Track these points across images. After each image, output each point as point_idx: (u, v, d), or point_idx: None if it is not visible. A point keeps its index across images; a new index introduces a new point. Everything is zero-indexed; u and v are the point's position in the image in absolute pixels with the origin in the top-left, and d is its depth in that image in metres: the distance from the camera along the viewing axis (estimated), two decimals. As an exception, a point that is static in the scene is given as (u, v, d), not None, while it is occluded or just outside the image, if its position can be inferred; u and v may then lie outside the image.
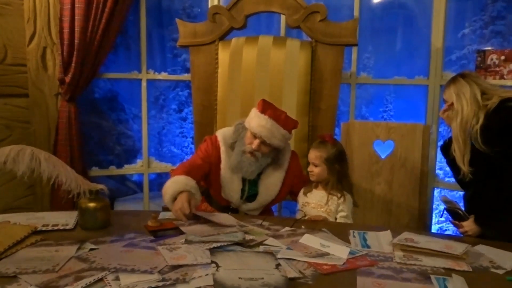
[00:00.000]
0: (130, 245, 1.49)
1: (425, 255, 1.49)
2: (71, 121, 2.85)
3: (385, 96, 3.69)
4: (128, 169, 3.28)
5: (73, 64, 2.74)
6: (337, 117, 2.95)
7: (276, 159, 2.15)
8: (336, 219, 1.99)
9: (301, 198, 2.10)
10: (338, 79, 2.76)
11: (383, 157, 2.69)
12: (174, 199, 1.80)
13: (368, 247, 1.56)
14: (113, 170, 3.23)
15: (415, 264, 1.43)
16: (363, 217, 2.66)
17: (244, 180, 2.13)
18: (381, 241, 1.63)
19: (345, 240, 1.62)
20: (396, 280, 1.31)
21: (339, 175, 2.00)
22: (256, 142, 2.03)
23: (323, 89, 2.77)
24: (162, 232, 1.61)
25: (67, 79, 2.77)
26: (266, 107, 2.06)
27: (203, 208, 2.12)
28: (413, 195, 2.63)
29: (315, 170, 2.01)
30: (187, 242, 1.50)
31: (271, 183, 2.14)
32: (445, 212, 2.00)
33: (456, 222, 1.91)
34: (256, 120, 2.03)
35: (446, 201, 2.01)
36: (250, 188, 2.15)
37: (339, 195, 1.99)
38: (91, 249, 1.45)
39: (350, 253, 1.48)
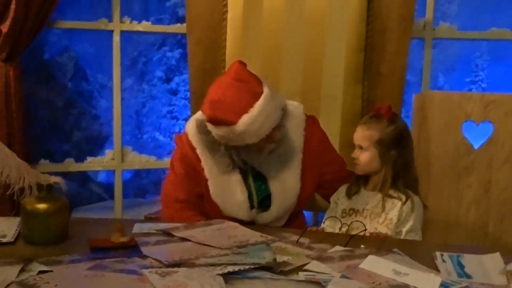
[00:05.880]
0: (99, 267, 1.49)
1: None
2: (9, 91, 2.83)
3: (474, 59, 3.65)
4: (93, 164, 3.29)
5: (12, 7, 2.71)
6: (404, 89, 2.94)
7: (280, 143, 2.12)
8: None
9: (341, 201, 2.09)
10: (408, 30, 2.78)
11: (476, 146, 2.64)
12: None
13: (468, 276, 1.54)
14: (71, 165, 3.24)
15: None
16: (443, 235, 2.62)
17: (245, 179, 2.11)
18: (487, 268, 1.61)
19: (430, 266, 1.59)
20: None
21: (397, 167, 2.00)
22: (273, 136, 2.00)
23: (385, 45, 2.78)
24: (107, 250, 1.62)
25: (4, 28, 2.75)
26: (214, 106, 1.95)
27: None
28: (524, 203, 2.61)
29: (360, 157, 1.99)
30: (187, 264, 1.50)
31: (285, 177, 2.12)
32: None
33: None
34: (239, 129, 1.93)
35: None
36: (259, 188, 2.13)
37: (403, 197, 1.97)
38: (41, 272, 1.44)
39: (442, 285, 1.44)
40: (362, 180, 2.06)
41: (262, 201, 2.14)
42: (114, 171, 3.26)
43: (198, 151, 2.09)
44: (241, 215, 2.10)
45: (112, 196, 3.33)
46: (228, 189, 2.10)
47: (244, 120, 1.89)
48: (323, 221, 2.07)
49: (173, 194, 2.15)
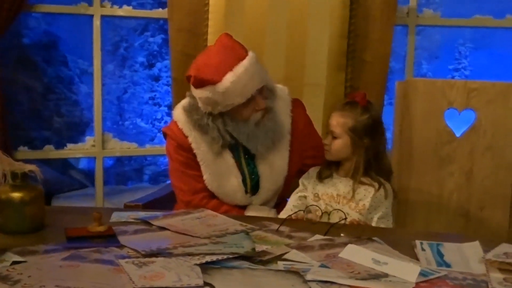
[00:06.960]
0: (74, 257, 1.48)
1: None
2: (-14, 77, 2.82)
3: (457, 46, 3.69)
4: (73, 151, 3.29)
5: (-12, -11, 2.70)
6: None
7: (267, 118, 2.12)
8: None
9: (312, 185, 2.09)
10: (391, 16, 2.78)
11: (458, 134, 2.65)
12: None
13: (447, 265, 1.54)
14: (50, 152, 3.23)
15: (523, 292, 1.40)
16: (425, 223, 2.63)
17: (238, 164, 2.13)
18: (467, 256, 1.62)
19: (409, 254, 1.60)
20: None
21: (369, 156, 2.01)
22: (258, 102, 2.01)
23: (369, 32, 2.79)
24: (84, 240, 1.60)
25: (-21, 11, 2.74)
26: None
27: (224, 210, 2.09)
28: (504, 191, 2.59)
29: (332, 144, 2.00)
30: (164, 253, 1.49)
31: (274, 158, 2.14)
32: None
33: None
34: (223, 86, 1.94)
35: None
36: (252, 172, 2.15)
37: (376, 185, 1.99)
38: (15, 263, 1.43)
39: (421, 274, 1.45)
40: (334, 165, 2.06)
41: (255, 186, 2.15)
42: (95, 158, 3.25)
43: (190, 139, 2.09)
44: (237, 200, 2.13)
45: (93, 183, 3.33)
46: (223, 174, 2.11)
47: (228, 77, 1.91)
48: (289, 202, 2.08)
49: (188, 187, 2.13)
